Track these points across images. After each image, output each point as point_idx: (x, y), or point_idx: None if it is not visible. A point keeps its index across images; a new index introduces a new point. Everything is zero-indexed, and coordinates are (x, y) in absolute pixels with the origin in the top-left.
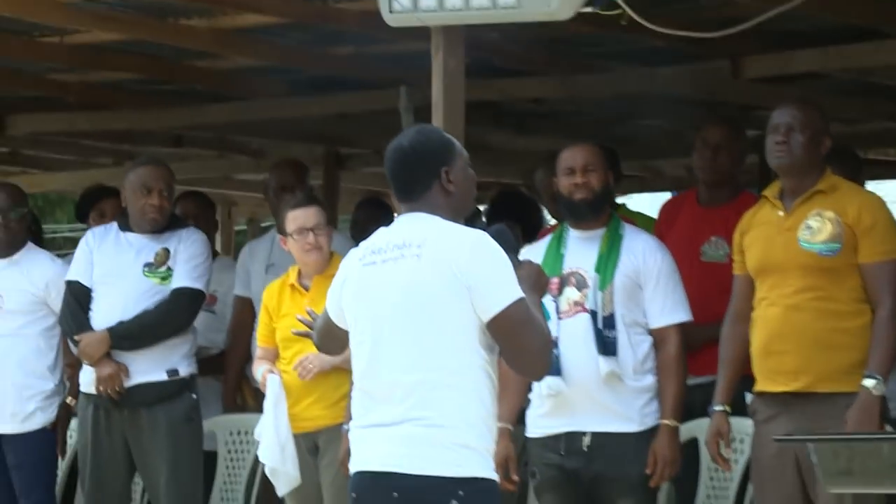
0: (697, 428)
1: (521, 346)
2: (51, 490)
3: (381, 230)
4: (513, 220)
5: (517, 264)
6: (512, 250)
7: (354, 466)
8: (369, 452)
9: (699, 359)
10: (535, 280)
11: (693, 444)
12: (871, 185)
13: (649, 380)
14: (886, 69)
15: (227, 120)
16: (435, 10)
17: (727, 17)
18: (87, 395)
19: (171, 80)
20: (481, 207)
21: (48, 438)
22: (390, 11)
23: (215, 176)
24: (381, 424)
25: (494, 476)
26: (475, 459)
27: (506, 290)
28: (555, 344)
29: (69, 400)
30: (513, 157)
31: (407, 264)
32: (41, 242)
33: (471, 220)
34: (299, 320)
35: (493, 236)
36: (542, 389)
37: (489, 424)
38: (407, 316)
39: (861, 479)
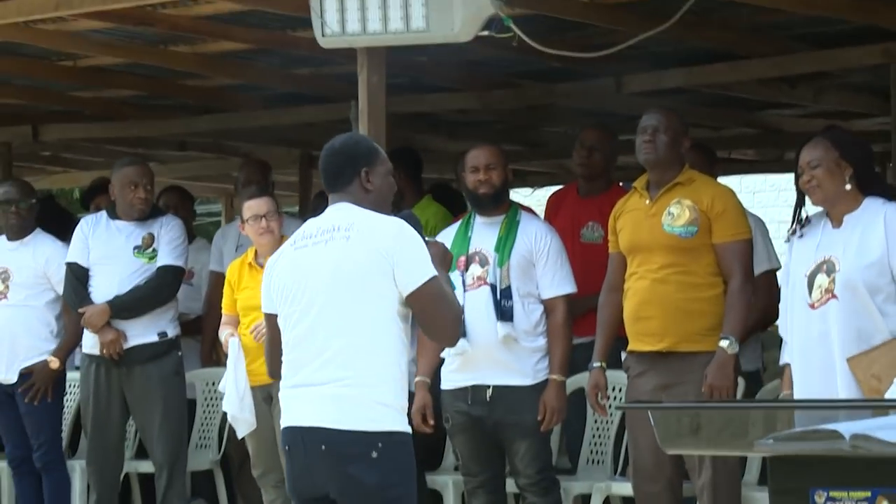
0: (583, 380)
1: (435, 317)
2: (57, 431)
3: (311, 220)
4: (445, 206)
5: (426, 244)
6: (418, 232)
7: (285, 422)
8: (299, 410)
9: (582, 323)
10: (442, 257)
11: (581, 392)
12: (734, 180)
13: (541, 341)
14: (738, 85)
15: (215, 128)
16: (359, 34)
17: (610, 42)
18: (90, 356)
19: (167, 96)
20: None
21: (52, 387)
22: (322, 35)
23: (215, 174)
24: (310, 384)
25: (408, 429)
26: (391, 415)
27: (424, 268)
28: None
29: (51, 360)
30: (447, 157)
31: (337, 245)
32: (72, 229)
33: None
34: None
35: (402, 219)
36: (451, 349)
37: (403, 385)
38: (337, 289)
39: (695, 441)
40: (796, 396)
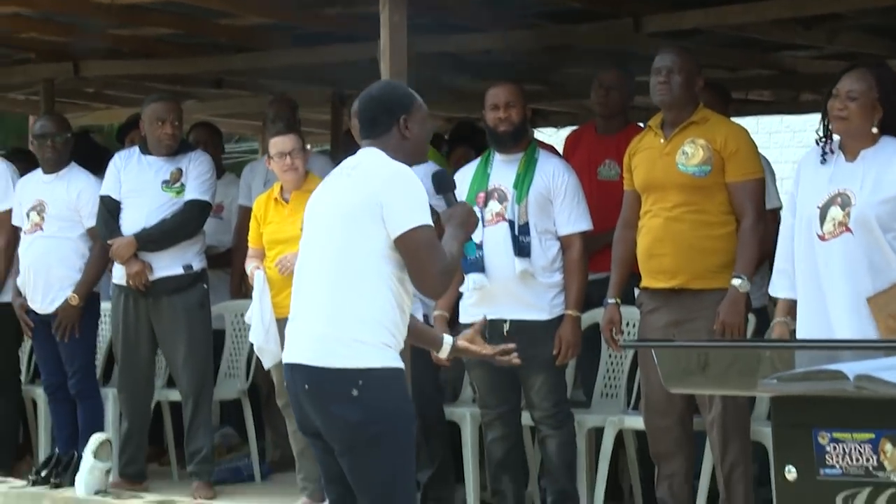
0: (598, 315)
1: (419, 266)
2: (90, 359)
3: (349, 157)
4: (468, 144)
5: (453, 202)
6: (450, 190)
7: (283, 358)
8: (290, 345)
9: (598, 259)
10: (466, 218)
11: (596, 328)
12: (751, 120)
13: (557, 277)
14: (753, 26)
15: (248, 67)
16: None
17: None
18: (119, 287)
19: (201, 35)
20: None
21: (85, 318)
22: None
23: (250, 111)
24: (299, 319)
25: (393, 364)
26: (371, 352)
27: (414, 215)
28: (479, 247)
29: (71, 297)
30: (473, 97)
31: (341, 182)
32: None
33: (439, 178)
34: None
35: (437, 176)
36: (469, 283)
37: (384, 322)
38: (331, 225)
39: (698, 381)
40: (798, 326)
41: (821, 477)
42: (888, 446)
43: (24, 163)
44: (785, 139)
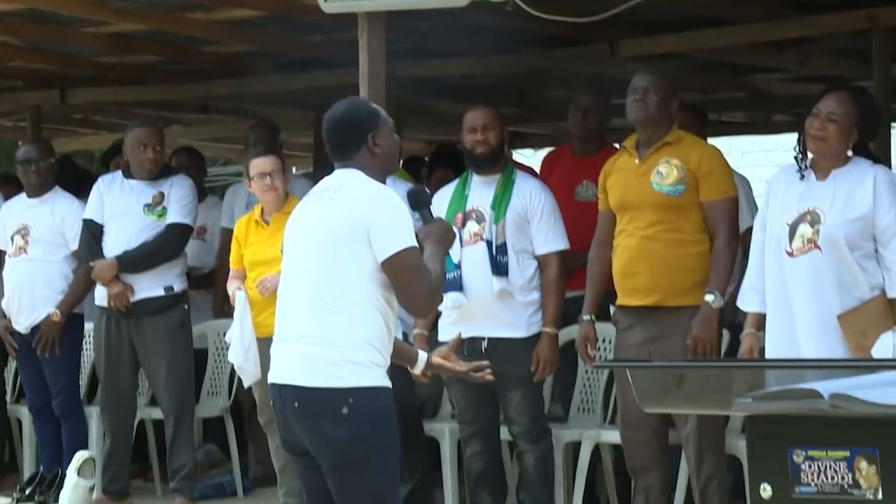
0: (574, 332)
1: (406, 288)
2: (74, 379)
3: (325, 178)
4: (447, 166)
5: (430, 219)
6: (426, 206)
7: (269, 377)
8: (277, 366)
9: (576, 277)
10: (443, 235)
11: (573, 344)
12: (724, 141)
13: (534, 296)
14: (726, 50)
15: (232, 92)
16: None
17: (603, 9)
18: (101, 308)
19: (187, 62)
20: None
21: (68, 338)
22: (325, 1)
23: (235, 135)
24: (286, 340)
25: (382, 383)
26: (361, 372)
27: (400, 238)
28: (458, 266)
29: (53, 313)
30: (453, 120)
31: (323, 205)
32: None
33: (414, 196)
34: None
35: (412, 193)
36: (448, 302)
37: (373, 343)
38: (314, 248)
39: (673, 400)
40: (767, 341)
41: (796, 495)
42: (863, 464)
43: (13, 187)
44: (757, 158)
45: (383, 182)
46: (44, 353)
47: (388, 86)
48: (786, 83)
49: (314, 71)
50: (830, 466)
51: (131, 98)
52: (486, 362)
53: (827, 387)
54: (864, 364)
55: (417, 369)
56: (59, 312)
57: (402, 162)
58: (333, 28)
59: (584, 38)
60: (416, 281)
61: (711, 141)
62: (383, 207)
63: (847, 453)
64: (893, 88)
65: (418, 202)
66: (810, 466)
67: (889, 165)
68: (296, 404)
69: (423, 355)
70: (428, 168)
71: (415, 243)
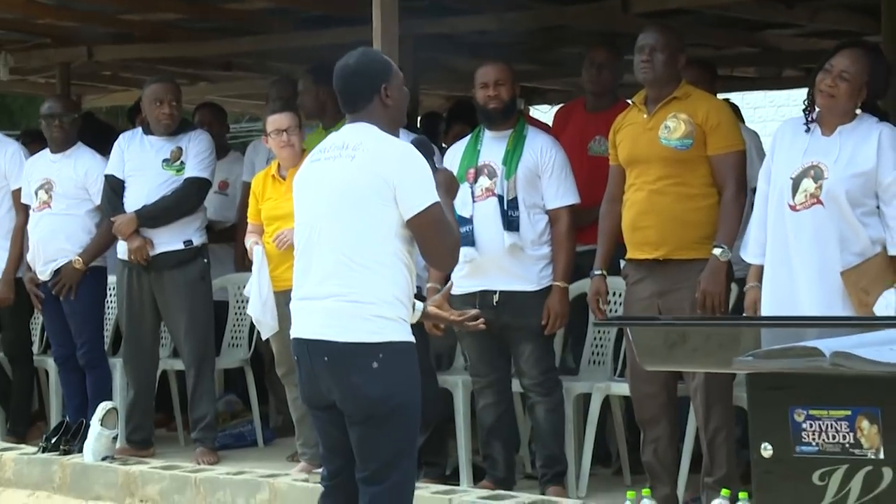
0: (585, 286)
1: (433, 243)
2: (98, 331)
3: (332, 134)
4: (465, 122)
5: (435, 169)
6: (429, 157)
7: (293, 333)
8: (303, 322)
9: (588, 231)
10: (449, 184)
11: (585, 297)
12: (736, 96)
13: (545, 250)
14: (737, 5)
15: (254, 49)
16: None
17: None
18: (123, 262)
19: (208, 19)
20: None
21: (90, 290)
22: None
23: (260, 92)
24: (312, 297)
25: (409, 338)
26: (390, 327)
27: (425, 194)
28: (469, 221)
29: (75, 260)
30: (469, 76)
31: (342, 163)
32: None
33: (419, 146)
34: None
35: (417, 143)
36: (460, 257)
37: (401, 298)
38: (338, 207)
39: (672, 357)
40: (764, 294)
41: (797, 454)
42: (865, 423)
43: (39, 143)
44: (769, 114)
45: (396, 135)
46: (61, 298)
47: (405, 43)
48: (796, 38)
49: (333, 28)
50: (832, 426)
51: (155, 55)
52: (476, 311)
53: (829, 345)
54: (866, 322)
55: (414, 318)
56: (80, 260)
57: (418, 118)
58: None
59: None
60: (442, 235)
61: (722, 96)
62: (408, 165)
63: (849, 412)
64: None
65: (424, 152)
66: (811, 426)
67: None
68: (325, 358)
69: (419, 305)
70: (446, 123)
71: (438, 199)
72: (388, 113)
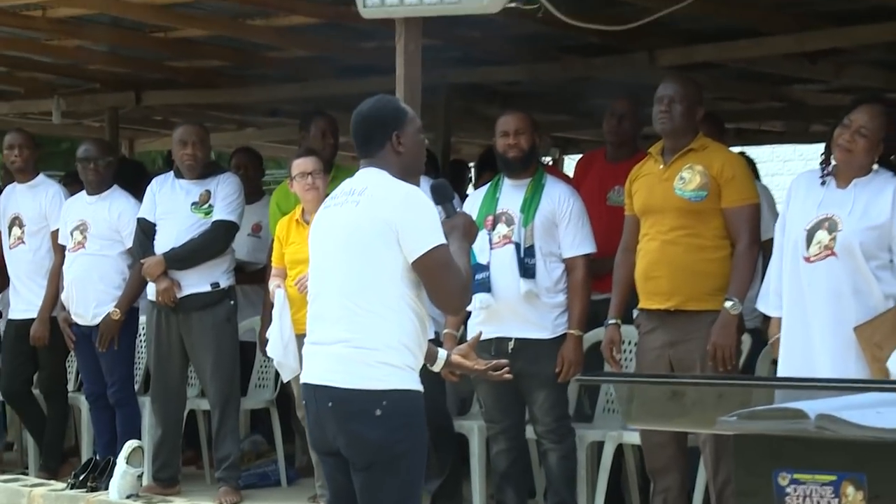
0: (600, 334)
1: (439, 286)
2: (129, 370)
3: (346, 181)
4: (494, 169)
5: (453, 213)
6: (448, 201)
7: (302, 378)
8: (311, 367)
9: (605, 280)
10: (467, 229)
11: (599, 346)
12: (766, 149)
13: (560, 298)
14: (763, 60)
15: (294, 96)
16: (397, 5)
17: (637, 18)
18: (153, 303)
19: (252, 66)
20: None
21: (123, 330)
22: (364, 6)
23: None
24: (321, 343)
25: (415, 387)
26: (395, 374)
27: (429, 237)
28: (486, 268)
29: (113, 312)
30: None
31: (349, 209)
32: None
33: (437, 190)
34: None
35: (436, 187)
36: (476, 303)
37: (408, 345)
38: (345, 252)
39: (659, 417)
40: (782, 346)
41: None
42: (850, 489)
43: (79, 185)
44: (798, 167)
45: (414, 182)
46: (103, 350)
47: (439, 91)
48: (822, 94)
49: (370, 77)
50: (816, 491)
51: (201, 101)
52: (504, 361)
53: (814, 407)
54: (849, 385)
55: (437, 367)
56: (118, 311)
57: (446, 164)
58: (387, 35)
59: (624, 47)
60: (448, 278)
61: (753, 149)
62: (411, 207)
63: (834, 477)
64: None
65: (442, 196)
66: (796, 490)
67: None
68: (330, 404)
69: (442, 353)
70: (476, 171)
71: (444, 241)
72: (400, 160)
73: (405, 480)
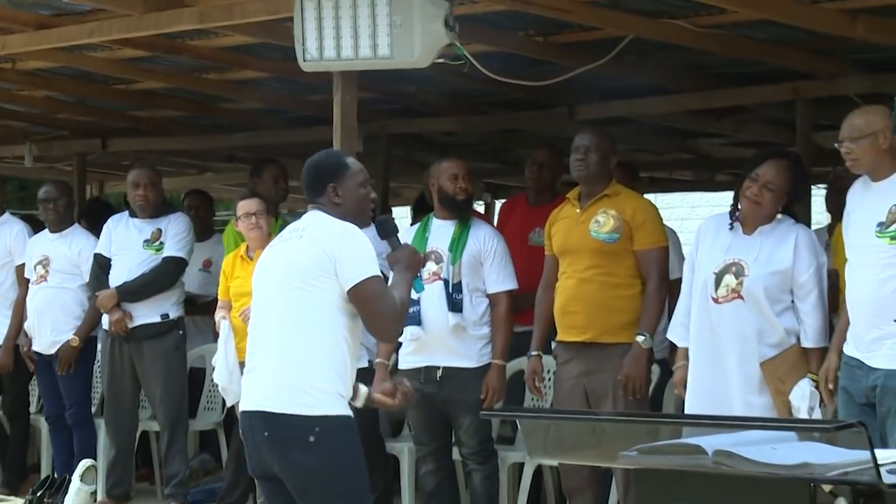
0: (523, 363)
1: (373, 315)
2: (86, 394)
3: (293, 222)
4: (428, 211)
5: (398, 246)
6: (393, 234)
7: (240, 406)
8: (248, 394)
9: (526, 314)
10: (410, 260)
11: (522, 374)
12: (677, 196)
13: (485, 330)
14: (672, 116)
15: (246, 144)
16: (334, 60)
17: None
18: (107, 332)
19: (208, 116)
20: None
21: (81, 357)
22: (304, 60)
23: None
24: (255, 369)
25: (345, 412)
26: (327, 400)
27: (364, 267)
28: (417, 302)
29: (72, 339)
30: None
31: (292, 244)
32: None
33: (382, 224)
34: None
35: (380, 222)
36: (407, 335)
37: (340, 372)
38: (284, 283)
39: (561, 450)
40: (690, 378)
41: None
42: None
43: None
44: (705, 212)
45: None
46: (62, 374)
47: (379, 141)
48: (724, 147)
49: (317, 126)
50: None
51: (162, 147)
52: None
53: (712, 443)
54: (748, 423)
55: (359, 402)
56: (77, 338)
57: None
58: (330, 88)
59: (547, 102)
60: (382, 307)
61: (664, 196)
62: (348, 240)
63: None
64: (814, 154)
65: (386, 230)
66: None
67: (809, 224)
68: (265, 433)
69: (363, 389)
70: (413, 213)
71: (379, 273)
72: (338, 209)
73: (344, 502)
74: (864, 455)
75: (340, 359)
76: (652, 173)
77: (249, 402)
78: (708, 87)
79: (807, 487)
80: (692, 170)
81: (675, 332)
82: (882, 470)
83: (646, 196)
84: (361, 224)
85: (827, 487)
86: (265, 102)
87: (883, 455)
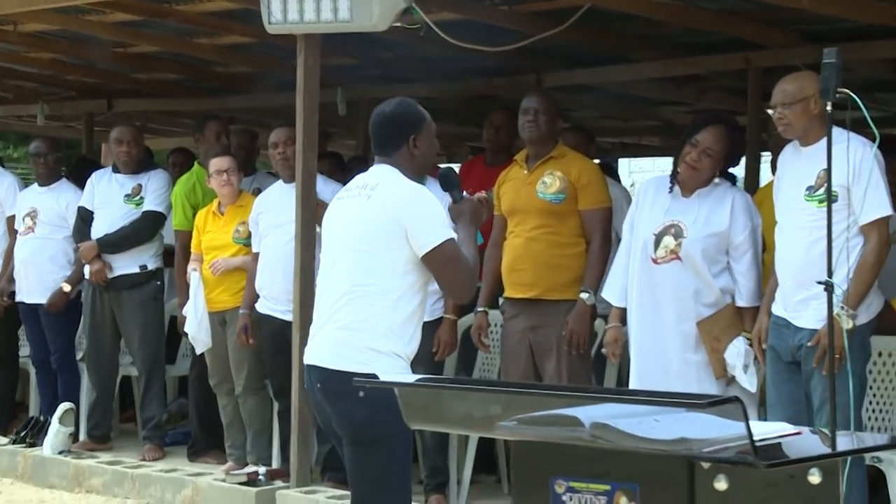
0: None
1: (448, 277)
2: (70, 340)
3: (358, 175)
4: None
5: (459, 199)
6: (455, 187)
7: (304, 359)
8: (309, 348)
9: (479, 271)
10: (473, 213)
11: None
12: (647, 161)
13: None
14: (636, 83)
15: (239, 106)
16: (297, 23)
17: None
18: (89, 282)
19: (203, 80)
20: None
21: (66, 305)
22: (269, 23)
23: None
24: (321, 325)
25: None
26: (381, 360)
27: (438, 231)
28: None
29: (63, 286)
30: None
31: (360, 202)
32: None
33: (445, 177)
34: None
35: (443, 175)
36: None
37: (399, 332)
38: (352, 242)
39: (439, 418)
40: (632, 336)
41: None
42: (623, 500)
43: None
44: None
45: (420, 181)
46: (51, 315)
47: (361, 106)
48: (688, 115)
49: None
50: (591, 500)
51: (163, 108)
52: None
53: (590, 414)
54: (585, 395)
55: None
56: (68, 285)
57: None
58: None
59: (516, 69)
60: (457, 269)
61: (635, 161)
62: (419, 204)
63: (608, 487)
64: (764, 122)
65: (449, 183)
66: (571, 498)
67: (756, 189)
68: (318, 385)
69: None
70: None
71: (452, 234)
72: (413, 161)
73: (387, 460)
74: (744, 429)
75: (400, 320)
76: (621, 138)
77: (309, 355)
78: (666, 56)
79: (685, 464)
80: (659, 136)
81: (613, 293)
82: (757, 445)
83: (618, 160)
84: (426, 173)
85: (706, 465)
86: (255, 67)
87: (766, 429)
